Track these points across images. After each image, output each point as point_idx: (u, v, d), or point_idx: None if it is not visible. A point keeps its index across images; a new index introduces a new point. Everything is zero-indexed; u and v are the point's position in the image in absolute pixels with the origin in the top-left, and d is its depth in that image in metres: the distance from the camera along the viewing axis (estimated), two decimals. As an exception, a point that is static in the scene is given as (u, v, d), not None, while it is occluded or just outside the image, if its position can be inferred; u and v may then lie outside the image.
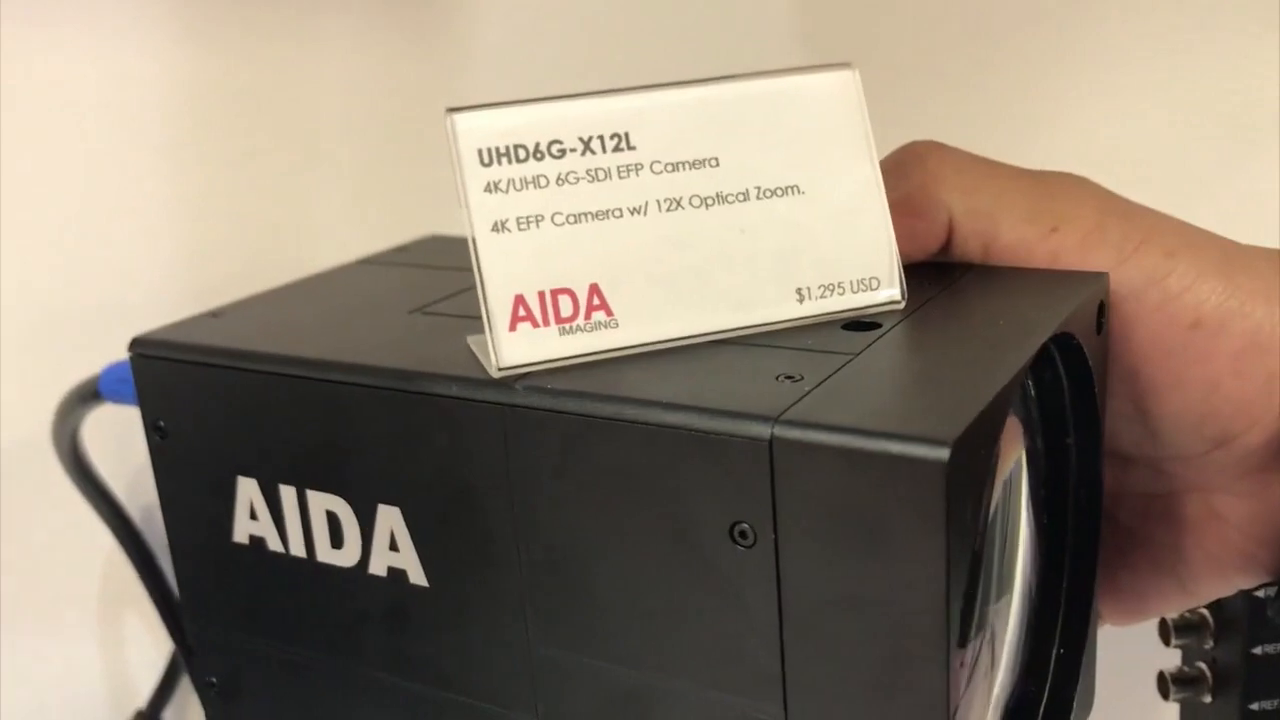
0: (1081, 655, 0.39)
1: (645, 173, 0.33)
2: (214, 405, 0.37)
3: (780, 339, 0.33)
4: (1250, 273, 0.36)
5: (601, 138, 0.33)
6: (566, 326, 0.32)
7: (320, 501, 0.35)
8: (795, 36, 0.61)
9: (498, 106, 0.32)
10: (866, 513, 0.27)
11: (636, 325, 0.32)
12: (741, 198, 0.34)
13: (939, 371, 0.31)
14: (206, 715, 0.42)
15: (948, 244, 0.38)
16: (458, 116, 0.32)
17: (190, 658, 0.46)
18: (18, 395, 0.53)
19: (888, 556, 0.27)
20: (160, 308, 0.43)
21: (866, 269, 0.34)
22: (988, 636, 0.36)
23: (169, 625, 0.52)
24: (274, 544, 0.37)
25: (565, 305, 0.32)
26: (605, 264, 0.32)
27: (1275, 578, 0.39)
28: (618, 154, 0.33)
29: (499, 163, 0.32)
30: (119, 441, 0.52)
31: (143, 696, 0.57)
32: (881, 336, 0.32)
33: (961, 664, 0.34)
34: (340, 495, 0.35)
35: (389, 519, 0.34)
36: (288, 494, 0.36)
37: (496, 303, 0.32)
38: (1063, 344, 0.35)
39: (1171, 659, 0.49)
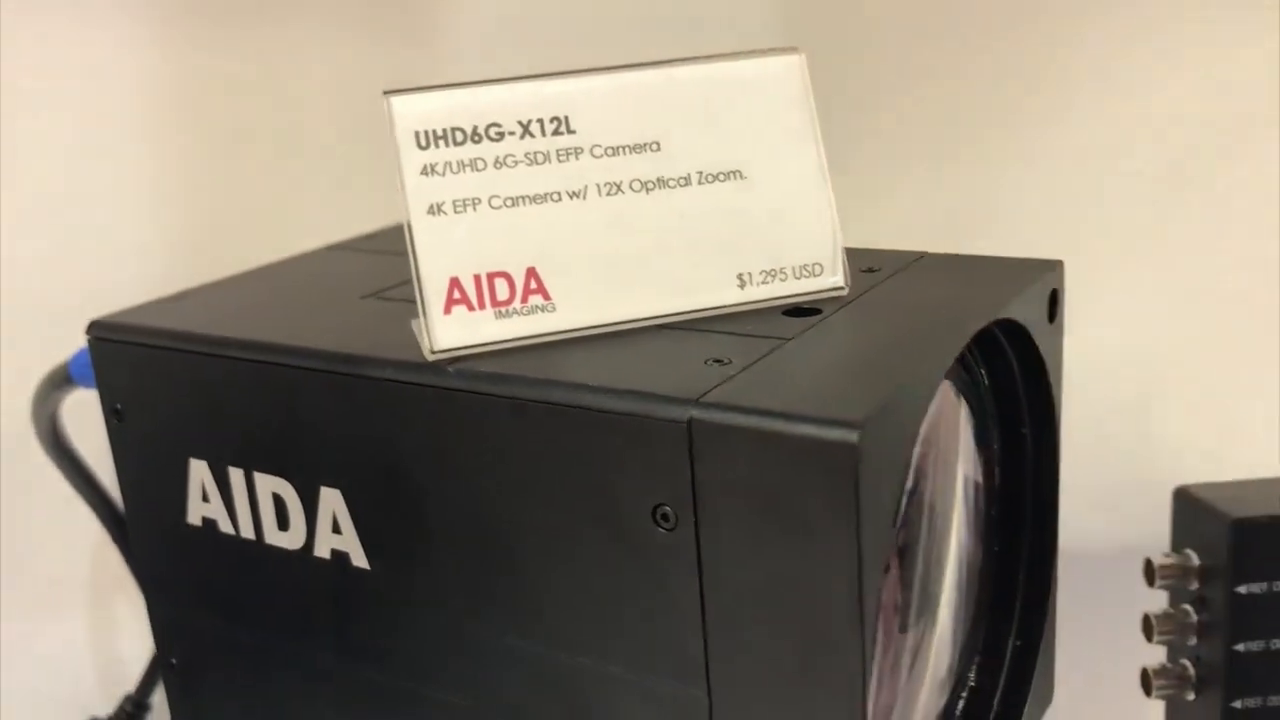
0: (1038, 647, 0.38)
1: (585, 156, 0.33)
2: (168, 388, 0.37)
3: (719, 324, 0.33)
4: None
5: (541, 121, 0.33)
6: (503, 310, 0.32)
7: (267, 484, 0.36)
8: (789, 36, 0.60)
9: (436, 89, 0.32)
10: (782, 495, 0.27)
11: (574, 309, 0.32)
12: (683, 182, 0.33)
13: (867, 356, 0.30)
14: (168, 696, 0.42)
15: None
16: (395, 99, 0.32)
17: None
18: (5, 384, 0.54)
19: (803, 539, 0.27)
20: (148, 295, 0.43)
21: (809, 255, 0.34)
22: (936, 625, 0.36)
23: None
24: (225, 526, 0.37)
25: (501, 289, 0.32)
26: (543, 248, 0.32)
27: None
28: (557, 137, 0.33)
29: (436, 145, 0.32)
30: (104, 425, 0.53)
31: (131, 681, 0.58)
32: (819, 323, 0.32)
33: (904, 650, 0.34)
34: (285, 478, 0.35)
35: (331, 501, 0.34)
36: (236, 476, 0.36)
37: (431, 286, 0.32)
38: (1011, 332, 0.35)
39: (1155, 655, 0.48)
